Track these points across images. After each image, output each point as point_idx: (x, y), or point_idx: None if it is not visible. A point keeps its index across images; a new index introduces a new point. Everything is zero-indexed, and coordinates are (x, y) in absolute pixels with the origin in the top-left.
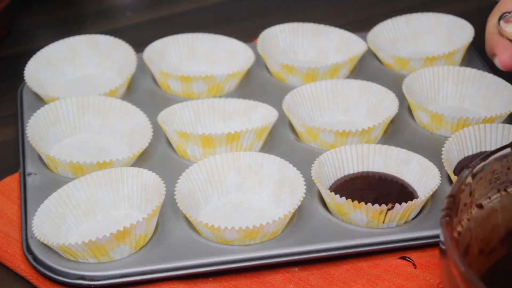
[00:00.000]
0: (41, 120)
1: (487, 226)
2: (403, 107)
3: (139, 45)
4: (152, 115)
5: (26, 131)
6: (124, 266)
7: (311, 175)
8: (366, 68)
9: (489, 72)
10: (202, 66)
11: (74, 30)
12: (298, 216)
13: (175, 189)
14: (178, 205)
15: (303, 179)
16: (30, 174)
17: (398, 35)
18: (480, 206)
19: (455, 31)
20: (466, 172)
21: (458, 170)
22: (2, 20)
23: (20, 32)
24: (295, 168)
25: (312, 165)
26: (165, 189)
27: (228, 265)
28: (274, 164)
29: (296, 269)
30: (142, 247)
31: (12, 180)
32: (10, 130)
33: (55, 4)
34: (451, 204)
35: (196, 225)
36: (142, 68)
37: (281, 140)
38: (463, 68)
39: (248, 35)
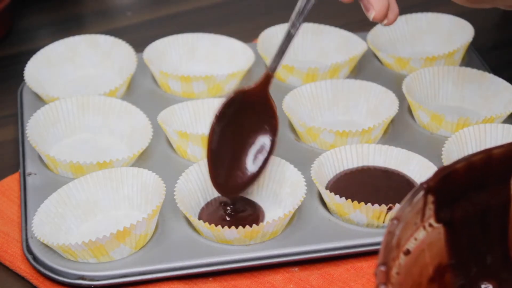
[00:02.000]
0: (41, 120)
1: (415, 271)
2: (403, 107)
3: (139, 45)
4: (152, 115)
5: (26, 131)
6: (124, 266)
7: (311, 175)
8: (366, 68)
9: (489, 72)
10: (202, 66)
11: (74, 30)
12: (298, 216)
13: (175, 189)
14: (178, 205)
15: (304, 179)
16: (30, 174)
17: (398, 35)
18: (407, 252)
19: (455, 31)
20: (392, 224)
21: None
22: (2, 20)
23: (20, 32)
24: (295, 169)
25: (312, 165)
26: (165, 189)
27: (228, 265)
28: (274, 164)
29: (296, 269)
30: (142, 247)
31: (12, 180)
32: (10, 130)
33: (55, 4)
34: (384, 276)
35: (196, 225)
36: (142, 68)
37: (281, 140)
38: (463, 68)
39: (248, 35)
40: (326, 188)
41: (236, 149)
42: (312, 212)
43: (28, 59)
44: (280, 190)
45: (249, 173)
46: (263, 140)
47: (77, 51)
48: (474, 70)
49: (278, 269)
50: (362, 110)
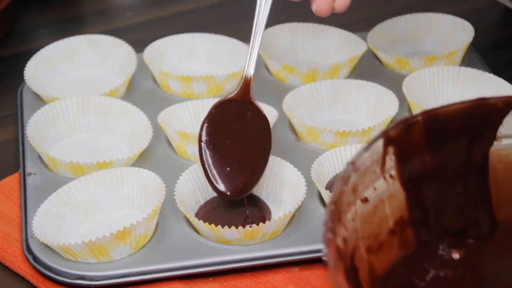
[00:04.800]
0: (41, 120)
1: (373, 220)
2: (403, 107)
3: (139, 45)
4: (152, 115)
5: (26, 131)
6: (124, 266)
7: (311, 175)
8: (366, 68)
9: (489, 72)
10: (202, 66)
11: (74, 30)
12: (298, 216)
13: (175, 189)
14: (178, 205)
15: (304, 179)
16: (30, 174)
17: (398, 35)
18: (365, 200)
19: (455, 31)
20: (348, 168)
21: None
22: (2, 20)
23: (20, 32)
24: (295, 169)
25: (312, 165)
26: (165, 189)
27: (228, 265)
28: (274, 164)
29: (296, 269)
30: (142, 247)
31: (12, 180)
32: (10, 130)
33: (55, 4)
34: (334, 215)
35: (196, 225)
36: (142, 68)
37: (281, 140)
38: (463, 68)
39: (248, 35)
40: (326, 188)
41: (232, 155)
42: (312, 212)
43: (28, 59)
44: (280, 190)
45: (249, 176)
46: (258, 144)
47: (77, 51)
48: (474, 70)
49: (278, 269)
50: (362, 110)
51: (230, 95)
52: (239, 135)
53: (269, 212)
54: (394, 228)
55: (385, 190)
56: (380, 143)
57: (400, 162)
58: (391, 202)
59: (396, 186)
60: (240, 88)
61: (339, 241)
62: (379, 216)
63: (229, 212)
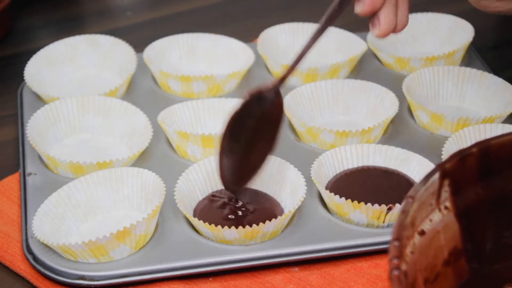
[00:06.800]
0: (41, 120)
1: (430, 252)
2: (403, 107)
3: (139, 45)
4: (152, 115)
5: (26, 131)
6: (124, 266)
7: (311, 175)
8: (366, 68)
9: (489, 72)
10: (202, 66)
11: (74, 30)
12: (298, 216)
13: (175, 189)
14: (178, 205)
15: (304, 179)
16: (30, 174)
17: (398, 35)
18: (422, 233)
19: (455, 31)
20: (407, 202)
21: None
22: (2, 20)
23: (20, 32)
24: (295, 169)
25: (312, 165)
26: (165, 189)
27: (228, 265)
28: (274, 164)
29: (296, 269)
30: (142, 247)
31: (12, 180)
32: (10, 130)
33: (55, 4)
34: (398, 251)
35: (196, 225)
36: (142, 68)
37: (281, 140)
38: (463, 68)
39: (248, 35)
40: (326, 188)
41: (243, 146)
42: (312, 212)
43: (28, 59)
44: (280, 190)
45: (251, 170)
46: (267, 138)
47: (77, 51)
48: (474, 70)
49: (278, 269)
50: (362, 110)
51: (266, 86)
52: (256, 131)
53: (280, 209)
54: (449, 259)
55: (440, 222)
56: (436, 176)
57: (454, 194)
58: (446, 233)
59: (450, 217)
60: (276, 82)
61: (402, 276)
62: (434, 247)
63: (226, 205)
